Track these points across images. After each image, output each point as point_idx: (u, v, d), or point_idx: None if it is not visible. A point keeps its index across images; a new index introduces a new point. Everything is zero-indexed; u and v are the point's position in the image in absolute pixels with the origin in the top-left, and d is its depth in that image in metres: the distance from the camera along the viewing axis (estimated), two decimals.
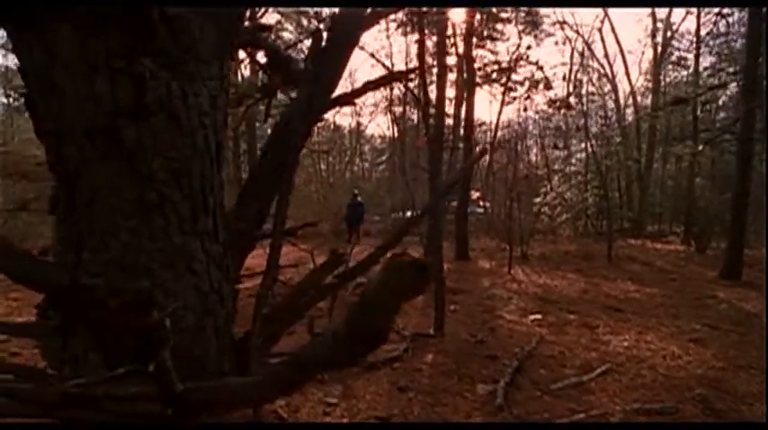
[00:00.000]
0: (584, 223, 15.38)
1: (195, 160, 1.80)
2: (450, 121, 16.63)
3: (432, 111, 6.40)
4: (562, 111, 10.85)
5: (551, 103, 9.46)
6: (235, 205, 2.21)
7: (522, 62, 6.65)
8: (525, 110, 12.76)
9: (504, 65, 6.60)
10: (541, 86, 8.56)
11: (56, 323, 1.69)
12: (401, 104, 20.82)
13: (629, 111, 19.23)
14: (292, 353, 1.16)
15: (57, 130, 1.53)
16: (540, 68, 7.38)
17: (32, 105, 1.57)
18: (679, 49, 16.29)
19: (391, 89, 13.27)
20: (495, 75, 10.95)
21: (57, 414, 1.55)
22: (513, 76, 10.05)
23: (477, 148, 10.63)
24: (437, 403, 2.73)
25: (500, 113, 13.78)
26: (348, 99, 2.42)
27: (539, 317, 4.78)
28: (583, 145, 16.76)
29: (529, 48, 7.26)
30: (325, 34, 2.36)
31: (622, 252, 10.12)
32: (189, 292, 1.77)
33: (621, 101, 19.11)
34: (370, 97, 20.77)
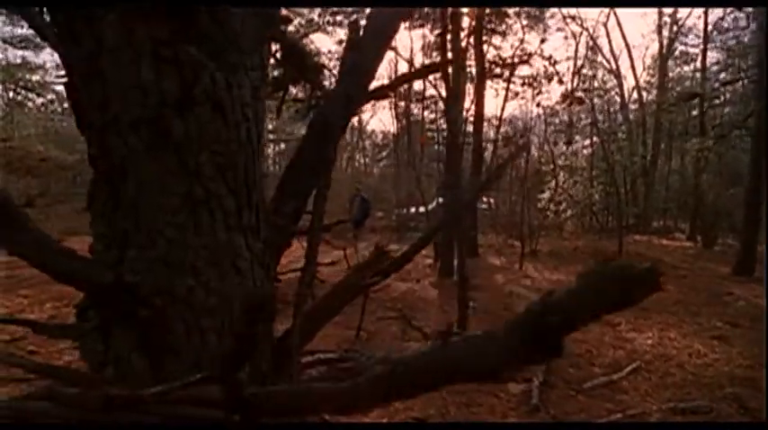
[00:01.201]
0: (589, 219, 15.34)
1: (240, 153, 1.73)
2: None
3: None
4: (571, 106, 10.76)
5: (564, 98, 9.36)
6: (272, 200, 2.14)
7: (534, 56, 6.59)
8: (539, 105, 12.67)
9: (515, 59, 6.51)
10: (554, 81, 8.47)
11: (95, 323, 1.63)
12: (404, 99, 20.67)
13: (632, 106, 19.18)
14: (400, 356, 1.08)
15: (101, 122, 1.45)
16: (553, 64, 7.32)
17: (74, 95, 1.50)
18: (686, 44, 16.25)
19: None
20: (500, 69, 10.87)
21: (102, 418, 1.49)
22: (524, 71, 9.97)
23: (488, 144, 10.55)
24: (472, 403, 2.69)
25: (503, 109, 13.65)
26: (384, 92, 2.34)
27: None
28: (587, 141, 16.72)
29: (543, 41, 7.18)
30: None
31: (630, 248, 10.08)
32: (233, 291, 1.70)
33: (626, 96, 19.05)
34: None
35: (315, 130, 2.22)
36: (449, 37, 6.23)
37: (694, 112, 15.97)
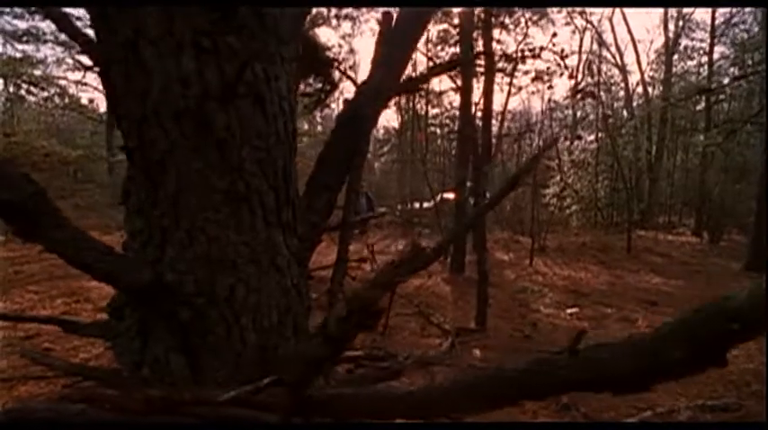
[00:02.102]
0: (594, 214, 15.29)
1: (278, 148, 1.68)
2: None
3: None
4: (583, 100, 10.68)
5: (576, 92, 9.28)
6: (303, 196, 2.09)
7: (545, 50, 6.52)
8: (550, 100, 12.56)
9: (527, 53, 6.43)
10: (562, 75, 8.40)
11: (131, 323, 1.58)
12: (406, 94, 20.47)
13: (635, 102, 19.07)
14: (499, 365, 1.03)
15: (141, 113, 1.40)
16: (565, 57, 7.25)
17: (111, 86, 1.44)
18: (693, 39, 16.10)
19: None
20: (502, 64, 10.74)
21: (142, 420, 1.45)
22: (532, 65, 9.86)
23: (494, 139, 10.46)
24: None
25: (506, 104, 13.55)
26: (415, 84, 2.29)
27: (576, 310, 4.70)
28: (592, 136, 16.63)
29: (555, 35, 7.12)
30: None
31: (638, 244, 10.03)
32: (272, 289, 1.66)
33: (631, 91, 18.93)
34: None
35: (345, 123, 2.16)
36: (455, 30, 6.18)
37: (698, 107, 15.92)
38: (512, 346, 3.49)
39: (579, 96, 9.41)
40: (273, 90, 1.64)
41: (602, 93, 12.79)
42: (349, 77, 2.33)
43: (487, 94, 7.55)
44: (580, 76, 9.15)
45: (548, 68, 6.85)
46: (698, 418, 2.68)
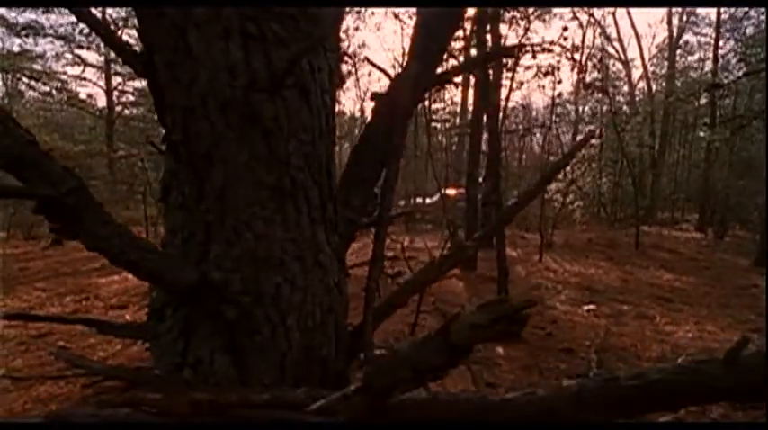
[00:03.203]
0: (597, 210, 15.26)
1: (322, 142, 1.62)
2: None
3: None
4: (593, 94, 10.62)
5: (585, 86, 9.23)
6: (339, 191, 2.02)
7: (555, 44, 6.46)
8: (560, 94, 12.50)
9: (536, 47, 6.37)
10: (564, 69, 8.28)
11: (172, 323, 1.52)
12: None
13: (638, 96, 19.01)
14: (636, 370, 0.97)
15: (187, 104, 1.33)
16: (575, 51, 7.14)
17: (154, 75, 1.37)
18: (698, 34, 16.05)
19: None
20: (505, 60, 10.62)
21: (188, 423, 1.40)
22: (534, 60, 9.74)
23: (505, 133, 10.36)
24: None
25: (508, 99, 13.45)
26: (450, 76, 2.22)
27: (593, 307, 4.66)
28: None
29: (566, 29, 7.06)
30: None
31: (644, 239, 10.00)
32: (316, 287, 1.60)
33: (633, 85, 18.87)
34: (374, 82, 20.13)
35: (382, 116, 2.09)
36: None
37: (698, 103, 15.88)
38: (535, 344, 3.45)
39: (590, 91, 9.33)
40: (317, 82, 1.58)
41: (609, 88, 12.70)
42: (381, 70, 2.25)
43: (497, 89, 7.46)
44: (586, 71, 9.07)
45: (558, 62, 6.79)
46: (730, 417, 2.64)
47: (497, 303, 0.93)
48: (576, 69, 7.38)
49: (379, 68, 2.27)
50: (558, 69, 6.72)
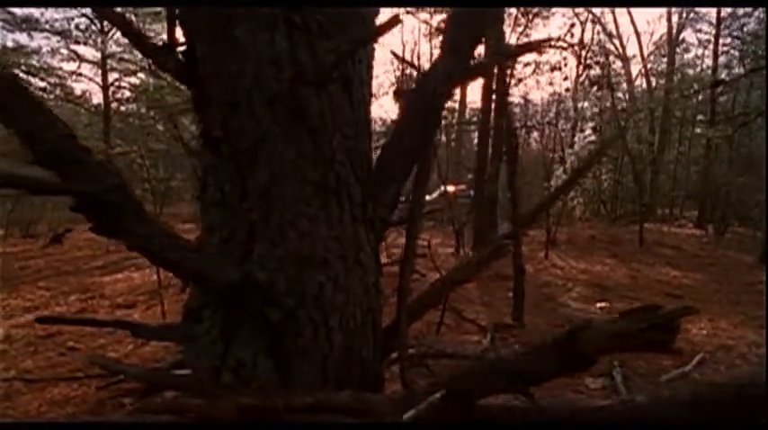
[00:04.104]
0: (597, 207, 15.28)
1: (364, 138, 1.57)
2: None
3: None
4: (601, 90, 10.58)
5: (592, 83, 9.20)
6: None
7: (560, 42, 6.44)
8: (568, 90, 12.48)
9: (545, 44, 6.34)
10: (569, 66, 8.31)
11: (210, 325, 1.47)
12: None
13: (637, 93, 19.02)
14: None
15: (231, 98, 1.28)
16: (582, 48, 7.12)
17: (194, 68, 1.31)
18: (699, 31, 16.07)
19: (403, 70, 12.71)
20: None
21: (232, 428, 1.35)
22: (538, 56, 9.75)
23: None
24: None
25: (504, 95, 13.39)
26: (484, 68, 2.17)
27: (605, 304, 4.65)
28: (596, 127, 16.53)
29: (572, 26, 7.02)
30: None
31: (646, 236, 10.00)
32: (357, 287, 1.56)
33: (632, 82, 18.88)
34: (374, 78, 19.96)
35: (414, 111, 2.03)
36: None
37: (697, 100, 15.92)
38: None
39: (595, 88, 9.33)
40: (358, 74, 1.53)
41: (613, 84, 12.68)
42: (410, 64, 2.18)
43: (507, 85, 7.41)
44: (585, 67, 9.05)
45: (564, 58, 6.77)
46: None
47: (646, 310, 0.88)
48: (581, 65, 7.33)
49: (408, 62, 2.22)
50: (566, 65, 6.67)
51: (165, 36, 1.93)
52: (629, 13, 16.74)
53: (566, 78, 9.31)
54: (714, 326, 4.13)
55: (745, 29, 12.42)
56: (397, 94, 2.64)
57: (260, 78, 1.26)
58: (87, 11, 13.32)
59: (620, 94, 18.53)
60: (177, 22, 1.33)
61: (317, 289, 1.42)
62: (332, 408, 1.41)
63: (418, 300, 1.98)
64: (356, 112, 1.51)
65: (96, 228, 1.21)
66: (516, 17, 7.75)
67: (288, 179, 1.33)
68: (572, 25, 7.25)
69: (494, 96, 7.07)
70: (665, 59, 18.89)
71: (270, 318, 1.37)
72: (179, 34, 1.43)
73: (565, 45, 5.56)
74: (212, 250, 1.45)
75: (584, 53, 7.19)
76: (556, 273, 6.25)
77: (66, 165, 1.16)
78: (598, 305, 4.65)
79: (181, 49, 1.40)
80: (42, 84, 13.88)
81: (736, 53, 12.94)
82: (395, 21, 1.11)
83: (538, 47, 3.97)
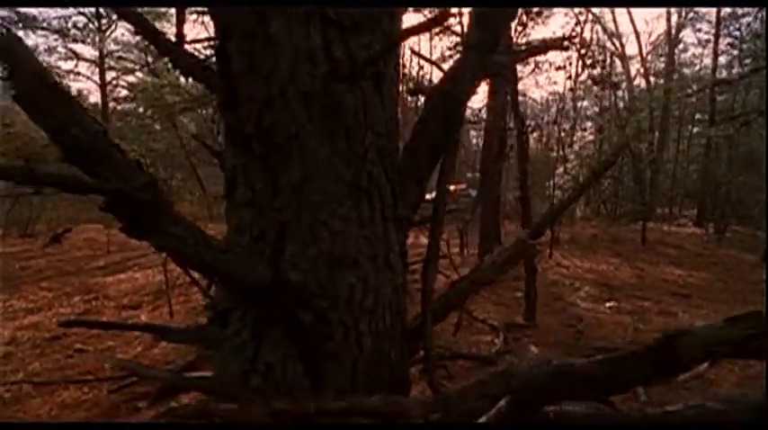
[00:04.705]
0: (597, 206, 15.31)
1: (394, 136, 1.54)
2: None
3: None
4: (605, 89, 10.61)
5: (595, 82, 9.20)
6: None
7: (570, 40, 6.41)
8: (572, 89, 12.52)
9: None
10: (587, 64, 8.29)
11: (239, 327, 1.43)
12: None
13: (636, 93, 19.07)
14: None
15: (266, 94, 1.24)
16: (587, 47, 7.10)
17: (227, 64, 1.27)
18: (699, 30, 16.13)
19: (403, 65, 12.55)
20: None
21: None
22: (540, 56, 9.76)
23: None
24: None
25: (515, 94, 13.36)
26: (504, 68, 2.13)
27: (614, 304, 4.64)
28: (595, 126, 16.59)
29: (577, 23, 7.01)
30: None
31: (648, 235, 10.03)
32: (386, 288, 1.52)
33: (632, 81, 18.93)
34: None
35: (436, 110, 2.00)
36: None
37: (695, 99, 15.98)
38: (568, 343, 3.40)
39: (600, 86, 9.33)
40: (389, 71, 1.50)
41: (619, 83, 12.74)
42: (431, 62, 2.15)
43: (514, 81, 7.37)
44: (590, 66, 9.04)
45: (568, 58, 6.76)
46: None
47: (749, 317, 0.85)
48: (584, 65, 7.32)
49: (428, 60, 2.18)
50: (571, 64, 6.65)
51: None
52: (629, 12, 16.77)
53: (569, 77, 9.28)
54: None
55: (743, 29, 12.46)
56: (417, 92, 2.59)
57: (295, 74, 1.23)
58: (85, 9, 13.20)
59: (619, 93, 18.58)
60: (210, 18, 1.28)
61: (348, 290, 1.39)
62: (364, 412, 1.38)
63: (442, 301, 1.95)
64: (387, 110, 1.48)
65: (128, 229, 1.17)
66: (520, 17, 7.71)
67: (321, 177, 1.29)
68: (576, 23, 7.23)
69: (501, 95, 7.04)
70: (662, 59, 18.99)
71: (302, 321, 1.33)
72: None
73: (577, 44, 5.53)
74: (241, 251, 1.41)
75: (585, 52, 7.15)
76: (562, 273, 6.24)
77: (98, 162, 1.12)
78: (607, 304, 4.64)
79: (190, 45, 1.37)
80: None
81: (735, 53, 12.96)
82: (445, 14, 1.07)
83: (553, 46, 3.96)
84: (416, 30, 1.29)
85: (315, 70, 1.25)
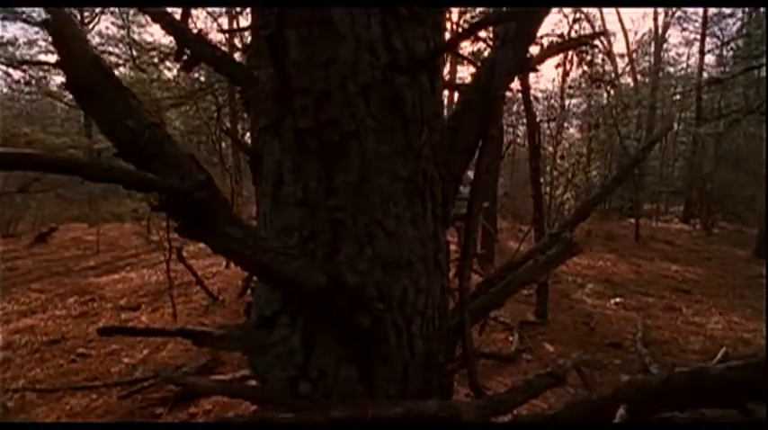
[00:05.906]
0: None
1: (445, 131, 1.49)
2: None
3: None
4: (600, 88, 10.70)
5: (592, 80, 9.27)
6: None
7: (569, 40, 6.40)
8: (571, 87, 12.60)
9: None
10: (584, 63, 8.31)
11: (287, 332, 1.37)
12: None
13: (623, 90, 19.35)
14: None
15: (323, 86, 1.17)
16: (590, 46, 7.10)
17: (281, 54, 1.20)
18: (686, 29, 16.45)
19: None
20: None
21: None
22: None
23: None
24: None
25: (526, 90, 13.39)
26: (539, 60, 2.10)
27: (620, 300, 4.68)
28: (585, 123, 16.72)
29: (576, 21, 7.03)
30: None
31: (640, 231, 10.19)
32: (436, 289, 1.48)
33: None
34: None
35: (472, 105, 1.95)
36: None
37: (678, 97, 16.32)
38: (580, 339, 3.40)
39: (596, 85, 9.41)
40: (437, 63, 1.45)
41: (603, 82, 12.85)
42: (465, 58, 2.11)
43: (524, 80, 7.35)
44: (587, 64, 9.08)
45: (568, 55, 6.76)
46: None
47: None
48: (580, 62, 7.35)
49: (466, 59, 2.14)
50: (570, 62, 6.67)
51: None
52: (617, 11, 16.98)
53: (567, 74, 9.32)
54: (728, 320, 4.20)
55: (730, 29, 12.72)
56: (449, 87, 2.52)
57: (356, 65, 1.16)
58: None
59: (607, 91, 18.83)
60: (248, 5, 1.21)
61: (401, 292, 1.34)
62: (422, 417, 1.34)
63: (480, 300, 1.91)
64: (437, 104, 1.43)
65: (184, 229, 1.09)
66: None
67: (380, 176, 1.24)
68: (575, 21, 7.26)
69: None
70: (647, 57, 19.31)
71: (360, 324, 1.27)
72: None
73: (588, 43, 5.54)
74: (302, 252, 1.35)
75: (584, 50, 7.19)
76: (563, 269, 6.28)
77: (152, 158, 1.04)
78: (612, 301, 4.68)
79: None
80: (16, 75, 13.28)
81: (726, 52, 13.23)
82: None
83: (583, 42, 3.95)
84: (481, 24, 1.24)
85: (376, 61, 1.19)
